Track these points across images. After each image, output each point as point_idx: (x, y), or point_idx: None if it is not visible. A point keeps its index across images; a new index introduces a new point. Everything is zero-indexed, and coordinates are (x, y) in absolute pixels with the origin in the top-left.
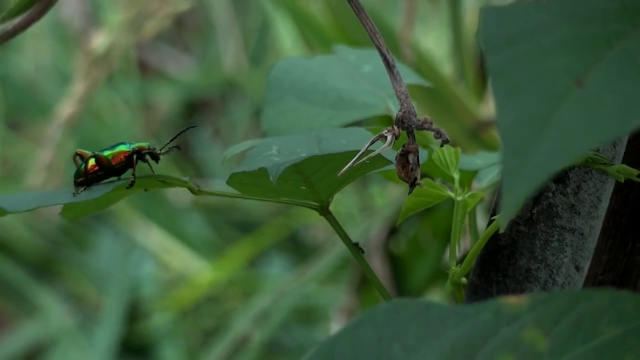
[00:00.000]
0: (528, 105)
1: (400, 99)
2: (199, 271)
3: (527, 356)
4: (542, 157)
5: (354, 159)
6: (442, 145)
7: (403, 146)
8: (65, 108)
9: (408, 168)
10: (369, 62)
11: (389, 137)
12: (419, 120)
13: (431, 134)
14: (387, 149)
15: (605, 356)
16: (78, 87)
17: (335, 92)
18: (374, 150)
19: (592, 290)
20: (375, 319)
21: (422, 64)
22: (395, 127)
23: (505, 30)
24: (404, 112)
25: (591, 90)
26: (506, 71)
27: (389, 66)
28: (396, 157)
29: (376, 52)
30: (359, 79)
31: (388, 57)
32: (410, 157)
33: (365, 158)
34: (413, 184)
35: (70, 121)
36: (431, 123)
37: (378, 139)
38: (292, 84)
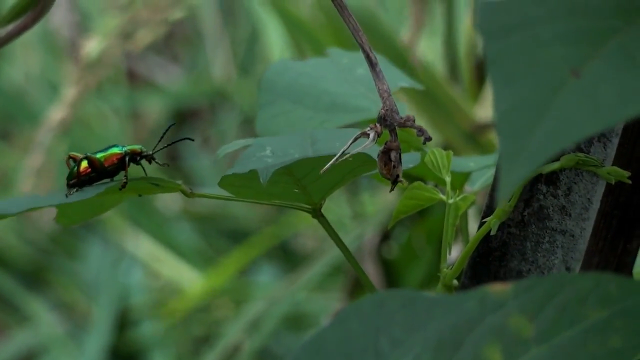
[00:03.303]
0: (525, 92)
1: (383, 97)
2: (189, 281)
3: (513, 343)
4: (538, 142)
5: (336, 156)
6: (424, 143)
7: (385, 143)
8: (56, 113)
9: (390, 165)
10: (362, 65)
11: (372, 135)
12: (401, 118)
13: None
14: (369, 146)
15: (591, 339)
16: (69, 93)
17: (328, 96)
18: (357, 149)
19: (577, 274)
20: (361, 312)
21: (418, 67)
22: (378, 125)
23: (502, 21)
24: (387, 110)
25: (587, 80)
26: (503, 59)
27: (372, 64)
28: (378, 155)
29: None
30: (353, 82)
31: (371, 55)
32: (392, 155)
33: (347, 156)
34: (395, 182)
35: (61, 126)
36: (413, 121)
37: (360, 137)
38: (286, 86)
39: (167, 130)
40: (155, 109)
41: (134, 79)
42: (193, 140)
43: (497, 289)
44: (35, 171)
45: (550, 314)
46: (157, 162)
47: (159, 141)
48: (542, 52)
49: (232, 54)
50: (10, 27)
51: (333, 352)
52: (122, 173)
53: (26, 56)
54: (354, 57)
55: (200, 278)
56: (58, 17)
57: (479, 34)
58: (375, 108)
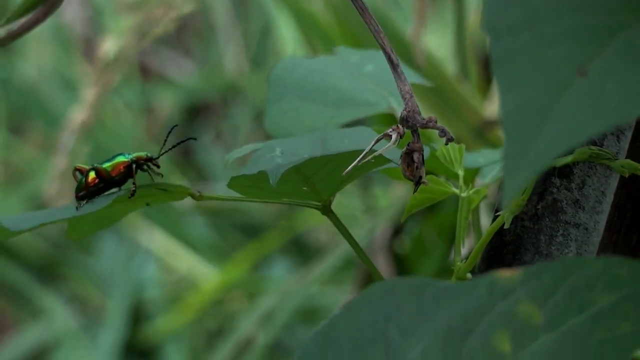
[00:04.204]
0: (531, 92)
1: (405, 98)
2: (203, 275)
3: (522, 330)
4: (545, 142)
5: (359, 157)
6: (446, 144)
7: (408, 145)
8: (78, 114)
9: (413, 167)
10: (371, 62)
11: (394, 136)
12: (423, 119)
13: (435, 133)
14: (391, 147)
15: (600, 325)
16: (89, 93)
17: (337, 91)
18: (378, 150)
19: (585, 258)
20: (371, 300)
21: (427, 63)
22: (400, 126)
23: (508, 19)
24: (409, 111)
25: (594, 79)
26: (509, 59)
27: (393, 65)
28: (401, 156)
29: (378, 53)
30: (361, 78)
31: (392, 56)
32: (415, 156)
33: (369, 157)
34: (418, 183)
35: (83, 128)
36: (435, 122)
37: (383, 138)
38: (294, 82)
39: (169, 132)
40: (168, 103)
41: (146, 73)
42: (196, 139)
43: (505, 275)
44: (60, 174)
45: (559, 300)
46: (150, 174)
47: (164, 144)
48: (548, 51)
49: (244, 47)
50: (22, 21)
51: (343, 341)
52: (130, 181)
53: (39, 51)
54: (363, 54)
55: (214, 272)
56: (70, 12)
57: (485, 32)
58: (384, 102)
